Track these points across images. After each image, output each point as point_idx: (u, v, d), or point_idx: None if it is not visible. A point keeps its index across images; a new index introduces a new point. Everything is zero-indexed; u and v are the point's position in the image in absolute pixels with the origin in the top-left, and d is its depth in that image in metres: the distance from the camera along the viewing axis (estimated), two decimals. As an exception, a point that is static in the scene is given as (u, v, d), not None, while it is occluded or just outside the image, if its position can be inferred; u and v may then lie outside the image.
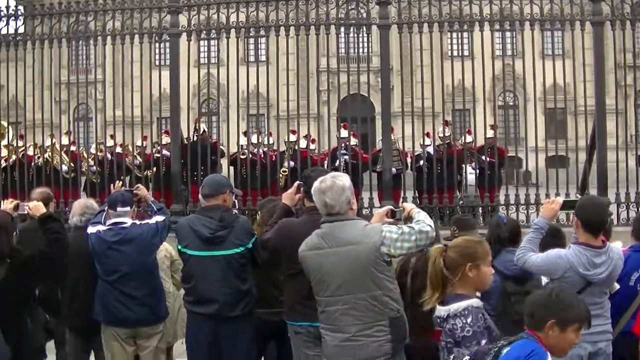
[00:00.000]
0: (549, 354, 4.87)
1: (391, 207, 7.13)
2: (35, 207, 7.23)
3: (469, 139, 18.16)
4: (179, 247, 7.81)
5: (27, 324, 6.68)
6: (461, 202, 16.34)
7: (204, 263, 7.64)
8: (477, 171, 18.26)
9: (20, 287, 6.65)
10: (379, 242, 6.12)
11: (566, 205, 7.49)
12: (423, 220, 6.39)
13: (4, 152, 18.71)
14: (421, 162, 17.39)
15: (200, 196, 8.07)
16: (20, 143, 18.71)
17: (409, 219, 6.56)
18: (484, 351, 5.07)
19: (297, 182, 7.78)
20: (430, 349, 6.48)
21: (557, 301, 4.97)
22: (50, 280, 8.53)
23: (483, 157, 17.56)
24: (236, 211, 10.35)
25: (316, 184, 6.40)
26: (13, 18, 17.69)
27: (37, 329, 6.81)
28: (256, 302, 7.98)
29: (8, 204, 7.48)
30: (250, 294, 7.81)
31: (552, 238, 7.28)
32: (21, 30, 18.00)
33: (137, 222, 8.08)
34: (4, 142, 19.08)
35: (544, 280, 7.14)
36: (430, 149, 18.24)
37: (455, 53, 34.12)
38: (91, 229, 8.05)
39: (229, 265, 7.65)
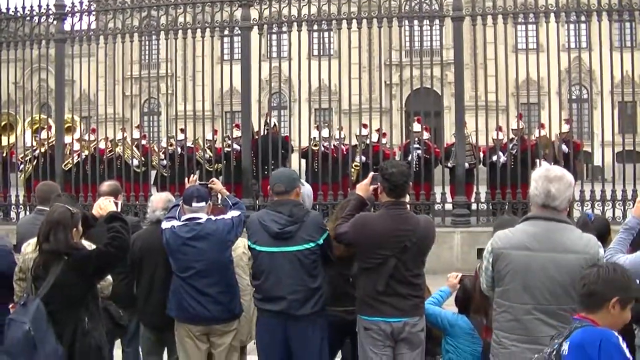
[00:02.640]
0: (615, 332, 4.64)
1: (372, 173, 7.13)
2: (105, 207, 7.16)
3: (542, 133, 17.83)
4: (249, 242, 7.64)
5: (84, 323, 6.60)
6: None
7: (273, 259, 7.46)
8: (552, 164, 17.91)
9: (77, 285, 6.57)
10: (597, 255, 5.70)
11: None
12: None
13: (76, 146, 18.86)
14: (494, 157, 17.11)
15: (271, 191, 7.86)
16: (92, 137, 18.85)
17: None
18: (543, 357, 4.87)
19: (372, 173, 7.60)
20: None
21: (622, 277, 4.75)
22: (123, 275, 8.56)
23: (564, 147, 17.20)
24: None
25: (541, 170, 5.92)
26: (86, 14, 17.84)
27: (96, 328, 6.72)
28: (329, 299, 7.86)
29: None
30: (321, 291, 7.61)
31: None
32: (93, 25, 18.12)
33: (213, 217, 7.96)
34: (76, 135, 19.24)
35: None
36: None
37: (522, 46, 34.09)
38: (165, 224, 7.96)
39: (299, 262, 7.44)
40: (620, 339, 4.61)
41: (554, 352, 4.72)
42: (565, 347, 4.64)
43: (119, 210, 7.26)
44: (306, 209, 7.81)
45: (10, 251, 8.06)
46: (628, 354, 4.60)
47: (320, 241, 7.52)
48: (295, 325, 7.43)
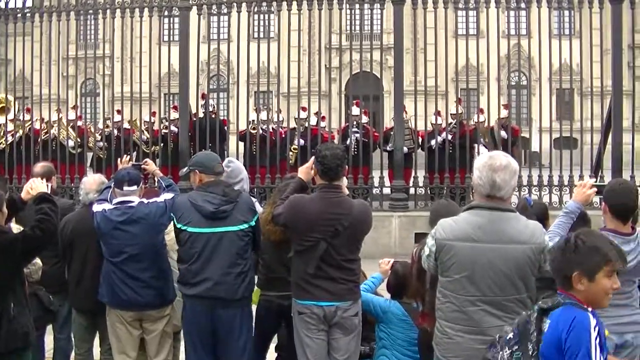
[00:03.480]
0: (590, 314, 4.55)
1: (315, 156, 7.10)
2: (35, 187, 6.94)
3: (481, 118, 17.90)
4: (178, 225, 7.40)
5: (10, 308, 6.41)
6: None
7: (205, 241, 7.28)
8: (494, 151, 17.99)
9: (3, 270, 6.38)
10: (544, 244, 5.62)
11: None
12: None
13: (10, 127, 18.52)
14: (433, 142, 17.13)
15: (206, 173, 7.58)
16: (27, 117, 18.53)
17: None
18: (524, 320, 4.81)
19: (314, 156, 7.52)
20: None
21: (574, 249, 4.62)
22: (55, 260, 8.39)
23: (503, 133, 17.30)
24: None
25: (485, 158, 5.74)
26: (21, -9, 17.51)
27: (23, 313, 6.53)
28: (264, 284, 7.78)
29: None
30: (251, 276, 7.53)
31: (581, 222, 6.99)
32: (29, 3, 17.78)
33: (145, 200, 7.80)
34: (10, 116, 18.89)
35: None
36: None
37: (463, 31, 34.30)
38: (97, 207, 7.78)
39: (233, 243, 7.31)
40: (594, 322, 4.51)
41: (534, 322, 4.63)
42: (547, 324, 4.59)
43: (50, 191, 7.04)
44: (237, 189, 7.71)
45: None
46: (595, 340, 4.47)
47: (253, 223, 7.44)
48: (223, 311, 7.29)
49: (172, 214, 7.50)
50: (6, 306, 6.39)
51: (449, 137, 16.44)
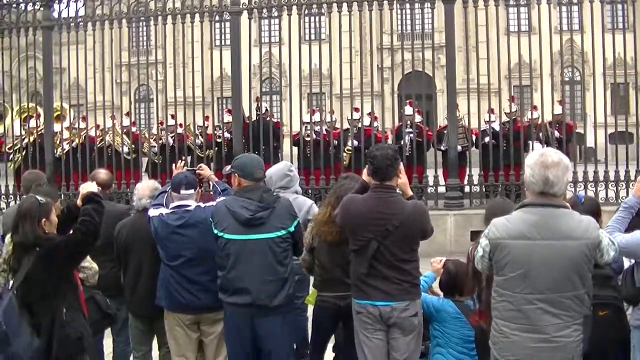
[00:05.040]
0: None
1: None
2: (85, 187, 6.99)
3: (535, 115, 17.74)
4: (216, 231, 7.36)
5: (62, 314, 6.48)
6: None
7: (243, 248, 7.24)
8: (544, 146, 17.80)
9: (50, 276, 6.45)
10: (598, 239, 5.58)
11: None
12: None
13: (66, 134, 18.75)
14: (487, 139, 17.02)
15: (246, 178, 7.51)
16: (83, 125, 18.75)
17: None
18: None
19: None
20: None
21: None
22: (112, 265, 8.48)
23: (551, 131, 17.16)
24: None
25: (536, 156, 5.71)
26: (73, 0, 17.72)
27: (75, 318, 6.59)
28: (320, 285, 7.79)
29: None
30: (291, 281, 7.48)
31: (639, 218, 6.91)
32: (81, 12, 18.01)
33: (202, 204, 7.83)
34: (66, 124, 19.13)
35: (627, 262, 6.80)
36: (496, 125, 17.86)
37: (515, 28, 34.05)
38: (153, 212, 7.84)
39: (270, 250, 7.26)
40: None
41: None
42: None
43: (106, 197, 7.09)
44: (276, 194, 7.68)
45: None
46: None
47: (292, 228, 7.39)
48: (264, 319, 7.27)
49: (210, 219, 7.46)
50: (58, 311, 6.47)
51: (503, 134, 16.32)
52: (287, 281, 7.37)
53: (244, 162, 7.69)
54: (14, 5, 18.09)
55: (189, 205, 7.73)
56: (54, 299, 6.46)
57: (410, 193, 7.41)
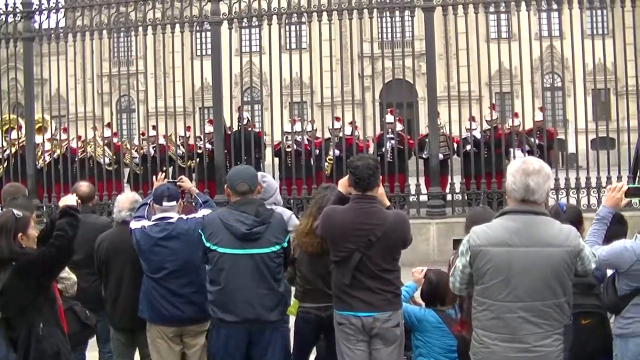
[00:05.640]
0: None
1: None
2: (64, 201, 6.94)
3: (516, 122, 17.81)
4: (208, 244, 7.27)
5: (38, 328, 6.46)
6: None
7: (237, 262, 7.18)
8: (526, 154, 17.84)
9: (26, 290, 6.42)
10: (578, 247, 5.60)
11: (631, 192, 6.75)
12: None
13: (48, 146, 18.70)
14: (468, 147, 17.07)
15: (230, 190, 7.47)
16: (64, 136, 18.69)
17: None
18: None
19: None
20: None
21: None
22: (94, 278, 8.45)
23: (532, 140, 17.21)
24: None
25: (518, 163, 5.76)
26: (54, 11, 17.71)
27: (52, 333, 6.56)
28: (302, 296, 7.76)
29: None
30: (285, 296, 7.52)
31: (618, 225, 6.93)
32: (62, 23, 17.99)
33: (184, 216, 7.83)
34: (47, 135, 19.07)
35: (609, 271, 6.83)
36: (477, 133, 17.90)
37: (495, 35, 34.21)
38: (135, 224, 7.82)
39: (264, 265, 7.22)
40: None
41: None
42: None
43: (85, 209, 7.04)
44: (270, 208, 7.64)
45: None
46: None
47: (285, 244, 7.38)
48: (259, 334, 7.25)
49: (200, 232, 7.38)
50: (35, 326, 6.44)
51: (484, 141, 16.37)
52: (282, 296, 7.39)
53: (231, 174, 7.67)
54: (-6, 17, 18.05)
55: (171, 217, 7.72)
56: (31, 313, 6.43)
57: (388, 203, 7.42)
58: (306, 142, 17.24)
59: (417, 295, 7.83)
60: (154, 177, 9.12)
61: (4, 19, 18.01)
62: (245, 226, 7.17)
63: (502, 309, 5.55)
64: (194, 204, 8.41)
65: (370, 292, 6.92)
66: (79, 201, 7.27)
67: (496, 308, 5.57)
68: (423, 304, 7.64)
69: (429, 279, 7.60)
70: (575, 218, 7.38)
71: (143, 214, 7.90)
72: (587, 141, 16.27)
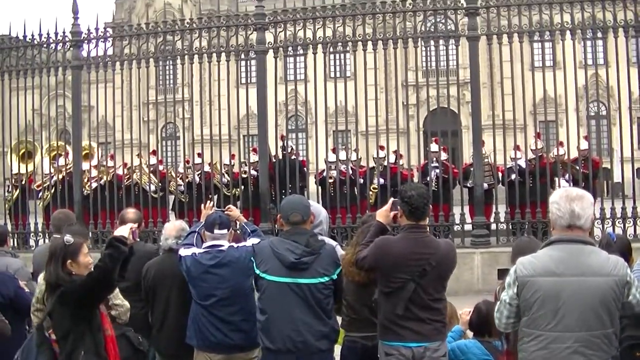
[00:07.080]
0: None
1: (392, 199, 7.15)
2: (119, 231, 6.98)
3: (561, 151, 17.70)
4: (257, 271, 7.31)
5: (79, 356, 6.50)
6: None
7: (282, 291, 7.19)
8: (571, 184, 17.73)
9: (67, 316, 6.49)
10: (626, 277, 5.57)
11: None
12: None
13: (94, 173, 18.89)
14: (513, 176, 16.99)
15: (283, 220, 7.50)
16: (111, 163, 18.88)
17: None
18: None
19: (392, 199, 7.49)
20: None
21: None
22: (142, 305, 8.52)
23: (577, 169, 17.12)
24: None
25: (560, 191, 5.80)
26: (102, 40, 17.93)
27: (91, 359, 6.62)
28: (348, 325, 7.77)
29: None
30: (336, 328, 7.45)
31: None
32: (110, 52, 18.24)
33: (234, 244, 7.89)
34: (94, 162, 19.29)
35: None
36: (522, 162, 17.82)
37: (539, 64, 34.06)
38: (185, 252, 7.88)
39: (311, 295, 7.20)
40: None
41: None
42: None
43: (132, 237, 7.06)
44: (322, 240, 7.63)
45: (12, 277, 8.12)
46: None
47: (335, 276, 7.34)
48: None
49: (252, 259, 7.44)
50: (74, 353, 6.49)
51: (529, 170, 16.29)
52: (332, 327, 7.35)
53: (284, 204, 7.72)
54: (45, 46, 18.33)
55: (222, 245, 7.77)
56: (72, 339, 6.51)
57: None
58: (350, 171, 17.25)
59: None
60: (202, 205, 9.18)
61: (53, 47, 18.28)
62: (294, 255, 7.18)
63: (549, 339, 5.50)
64: (242, 232, 8.45)
65: (421, 323, 6.90)
66: (136, 230, 7.27)
67: (544, 338, 5.52)
68: (471, 334, 7.62)
69: (479, 308, 7.58)
70: (625, 248, 7.35)
71: (192, 241, 7.97)
72: (633, 170, 16.17)
